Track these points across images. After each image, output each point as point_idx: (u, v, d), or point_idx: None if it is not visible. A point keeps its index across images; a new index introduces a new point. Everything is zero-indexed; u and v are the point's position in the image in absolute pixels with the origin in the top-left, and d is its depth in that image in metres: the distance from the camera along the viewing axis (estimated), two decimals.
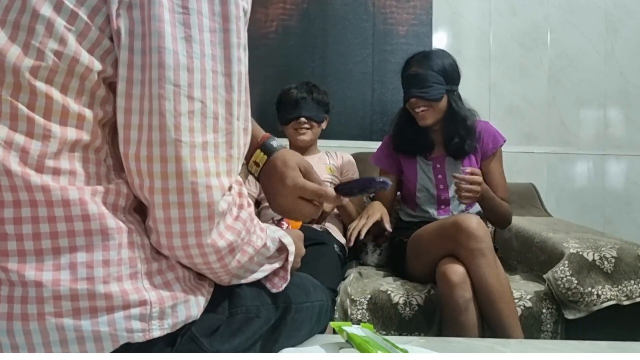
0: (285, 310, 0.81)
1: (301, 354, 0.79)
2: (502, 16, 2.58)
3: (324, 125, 1.99)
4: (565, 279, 1.45)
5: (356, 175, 2.00)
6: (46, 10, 0.54)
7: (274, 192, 0.82)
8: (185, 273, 0.63)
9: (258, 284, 0.76)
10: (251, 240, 0.66)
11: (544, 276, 1.51)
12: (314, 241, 1.64)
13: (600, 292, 1.44)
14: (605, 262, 1.47)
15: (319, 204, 0.85)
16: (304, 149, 1.96)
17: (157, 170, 0.56)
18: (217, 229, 0.60)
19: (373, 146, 1.98)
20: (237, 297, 0.72)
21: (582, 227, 1.87)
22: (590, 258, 1.47)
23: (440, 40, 2.55)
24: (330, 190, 0.82)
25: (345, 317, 1.50)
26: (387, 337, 0.83)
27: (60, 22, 0.55)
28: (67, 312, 0.54)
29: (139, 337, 0.57)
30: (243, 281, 0.70)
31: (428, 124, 1.70)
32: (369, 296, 1.52)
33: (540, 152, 2.57)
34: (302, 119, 1.89)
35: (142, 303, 0.57)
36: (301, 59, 2.50)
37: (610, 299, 1.44)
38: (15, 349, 0.54)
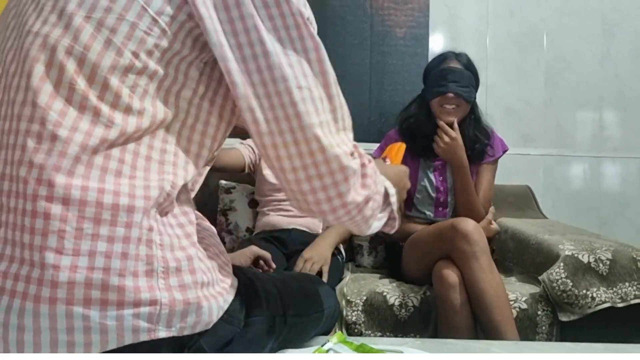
0: (297, 323, 0.81)
1: (301, 354, 0.79)
2: (499, 18, 2.58)
3: None
4: (560, 281, 1.46)
5: None
6: (130, 16, 0.59)
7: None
8: (205, 279, 0.63)
9: (269, 294, 0.76)
10: (378, 190, 0.75)
11: (540, 278, 1.52)
12: None
13: (595, 295, 1.44)
14: (601, 265, 1.47)
15: None
16: None
17: (293, 152, 0.65)
18: (354, 188, 0.69)
19: (371, 147, 1.98)
20: (253, 308, 0.72)
21: (578, 229, 1.87)
22: (585, 260, 1.47)
23: (437, 42, 2.56)
24: None
25: (341, 319, 1.50)
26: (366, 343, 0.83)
27: (141, 27, 0.59)
28: (79, 300, 0.54)
29: (144, 336, 0.57)
30: (370, 231, 0.78)
31: (451, 121, 1.67)
32: (365, 297, 1.52)
33: (537, 154, 2.58)
34: None
35: (153, 303, 0.57)
36: None
37: (605, 301, 1.44)
38: (21, 330, 0.54)
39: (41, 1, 0.60)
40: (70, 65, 0.57)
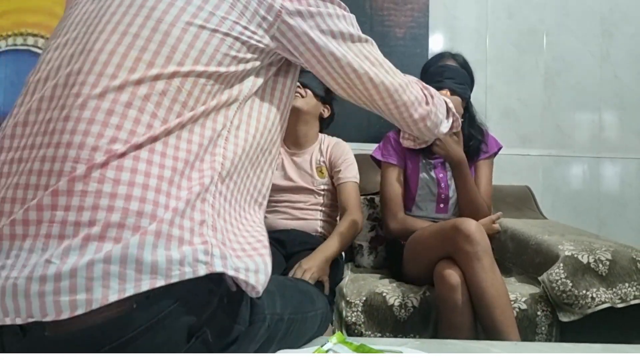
0: (293, 321, 0.81)
1: (301, 354, 0.79)
2: (498, 19, 2.59)
3: (323, 111, 1.86)
4: (560, 281, 1.46)
5: (346, 156, 1.84)
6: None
7: None
8: (244, 244, 0.70)
9: (271, 293, 0.77)
10: (438, 111, 1.04)
11: (539, 278, 1.52)
12: (311, 245, 1.64)
13: (594, 295, 1.44)
14: (600, 265, 1.47)
15: None
16: (300, 120, 1.80)
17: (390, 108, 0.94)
18: (417, 113, 0.99)
19: (371, 148, 1.98)
20: (256, 306, 0.73)
21: (577, 230, 1.87)
22: (585, 260, 1.48)
23: (437, 42, 2.56)
24: None
25: (340, 319, 1.50)
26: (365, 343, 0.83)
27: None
28: (151, 231, 0.59)
29: (202, 269, 0.61)
30: (432, 136, 1.10)
31: None
32: (364, 298, 1.52)
33: (536, 155, 2.58)
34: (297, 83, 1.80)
35: (205, 243, 0.62)
36: None
37: (604, 302, 1.44)
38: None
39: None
40: None
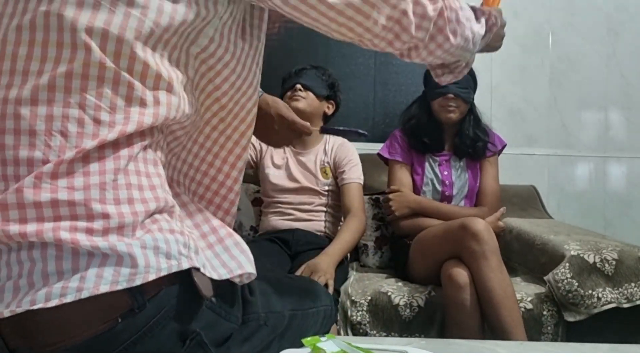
0: (293, 317, 0.81)
1: (301, 354, 0.79)
2: (503, 18, 2.57)
3: (327, 108, 1.85)
4: (566, 281, 1.45)
5: (350, 157, 1.83)
6: None
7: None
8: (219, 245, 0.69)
9: (265, 293, 0.77)
10: (458, 20, 0.78)
11: (545, 278, 1.52)
12: (316, 245, 1.64)
13: (600, 295, 1.44)
14: (606, 265, 1.47)
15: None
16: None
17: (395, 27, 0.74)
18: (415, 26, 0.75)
19: (375, 147, 1.98)
20: (250, 305, 0.72)
21: (583, 230, 1.87)
22: (591, 260, 1.47)
23: None
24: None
25: (345, 319, 1.50)
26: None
27: None
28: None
29: (184, 263, 0.60)
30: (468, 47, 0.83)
31: (452, 121, 1.78)
32: (369, 297, 1.52)
33: (542, 154, 2.58)
34: (298, 86, 1.75)
35: (182, 233, 0.62)
36: (303, 60, 2.50)
37: (610, 302, 1.44)
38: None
39: None
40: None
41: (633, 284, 1.46)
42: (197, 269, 0.62)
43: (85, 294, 0.54)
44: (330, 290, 1.46)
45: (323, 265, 1.45)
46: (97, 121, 0.58)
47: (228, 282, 0.67)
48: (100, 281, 0.54)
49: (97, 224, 0.56)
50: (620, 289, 1.46)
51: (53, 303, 0.53)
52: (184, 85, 0.67)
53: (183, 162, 0.77)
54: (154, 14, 0.60)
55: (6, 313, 0.54)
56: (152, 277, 0.56)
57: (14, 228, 0.54)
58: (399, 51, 0.80)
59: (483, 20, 0.89)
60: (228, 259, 0.68)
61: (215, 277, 0.64)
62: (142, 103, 0.61)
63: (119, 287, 0.55)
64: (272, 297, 0.78)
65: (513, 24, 2.57)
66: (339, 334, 1.42)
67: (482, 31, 0.87)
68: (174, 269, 0.59)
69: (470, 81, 1.76)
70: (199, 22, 0.65)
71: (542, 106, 2.58)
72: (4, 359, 0.56)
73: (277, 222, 1.77)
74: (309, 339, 0.80)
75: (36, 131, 0.57)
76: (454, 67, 0.94)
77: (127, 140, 0.60)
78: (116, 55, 0.59)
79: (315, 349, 0.79)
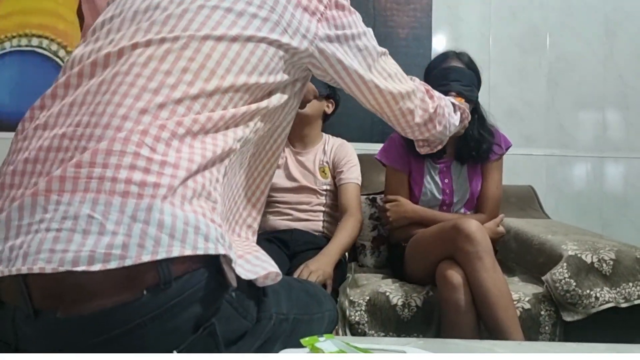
0: (299, 322, 0.82)
1: (301, 354, 0.79)
2: (501, 19, 2.58)
3: (327, 107, 1.87)
4: (563, 281, 1.46)
5: (349, 158, 1.85)
6: None
7: None
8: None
9: (277, 293, 0.78)
10: (443, 115, 1.09)
11: (543, 278, 1.52)
12: (314, 245, 1.64)
13: (598, 295, 1.44)
14: (604, 265, 1.47)
15: None
16: (304, 122, 1.80)
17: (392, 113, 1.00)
18: (419, 116, 1.03)
19: (374, 148, 1.98)
20: (264, 304, 0.74)
21: (581, 230, 1.87)
22: (588, 260, 1.47)
23: (440, 43, 2.56)
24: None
25: (344, 319, 1.50)
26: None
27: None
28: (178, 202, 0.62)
29: (221, 248, 0.62)
30: (446, 132, 1.13)
31: None
32: (368, 298, 1.53)
33: (539, 155, 2.58)
34: None
35: (220, 226, 0.65)
36: None
37: (608, 302, 1.44)
38: None
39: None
40: None
41: (631, 284, 1.46)
42: (229, 259, 0.64)
43: (128, 262, 0.56)
44: (329, 290, 1.46)
45: (321, 266, 1.46)
46: None
47: (249, 283, 0.68)
48: (142, 251, 0.57)
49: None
50: (617, 289, 1.46)
51: (97, 267, 0.55)
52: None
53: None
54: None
55: (48, 269, 0.56)
56: (187, 252, 0.59)
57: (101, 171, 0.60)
58: (400, 127, 1.05)
59: (459, 114, 1.21)
60: (254, 259, 0.71)
61: (242, 274, 0.66)
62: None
63: (159, 257, 0.57)
64: (281, 298, 0.79)
65: (511, 24, 2.58)
66: (337, 333, 1.42)
67: (457, 122, 1.20)
68: (210, 251, 0.61)
69: (474, 78, 1.67)
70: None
71: (539, 106, 2.59)
72: (4, 359, 0.56)
73: (276, 222, 1.77)
74: (307, 339, 0.80)
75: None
76: (432, 143, 1.23)
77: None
78: None
79: (314, 349, 0.79)
